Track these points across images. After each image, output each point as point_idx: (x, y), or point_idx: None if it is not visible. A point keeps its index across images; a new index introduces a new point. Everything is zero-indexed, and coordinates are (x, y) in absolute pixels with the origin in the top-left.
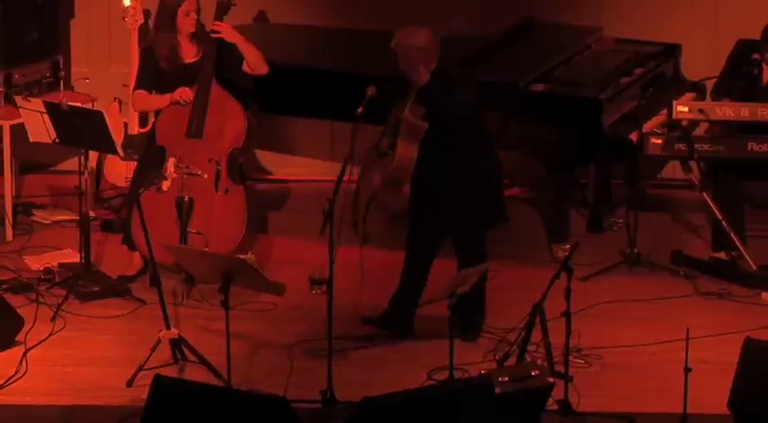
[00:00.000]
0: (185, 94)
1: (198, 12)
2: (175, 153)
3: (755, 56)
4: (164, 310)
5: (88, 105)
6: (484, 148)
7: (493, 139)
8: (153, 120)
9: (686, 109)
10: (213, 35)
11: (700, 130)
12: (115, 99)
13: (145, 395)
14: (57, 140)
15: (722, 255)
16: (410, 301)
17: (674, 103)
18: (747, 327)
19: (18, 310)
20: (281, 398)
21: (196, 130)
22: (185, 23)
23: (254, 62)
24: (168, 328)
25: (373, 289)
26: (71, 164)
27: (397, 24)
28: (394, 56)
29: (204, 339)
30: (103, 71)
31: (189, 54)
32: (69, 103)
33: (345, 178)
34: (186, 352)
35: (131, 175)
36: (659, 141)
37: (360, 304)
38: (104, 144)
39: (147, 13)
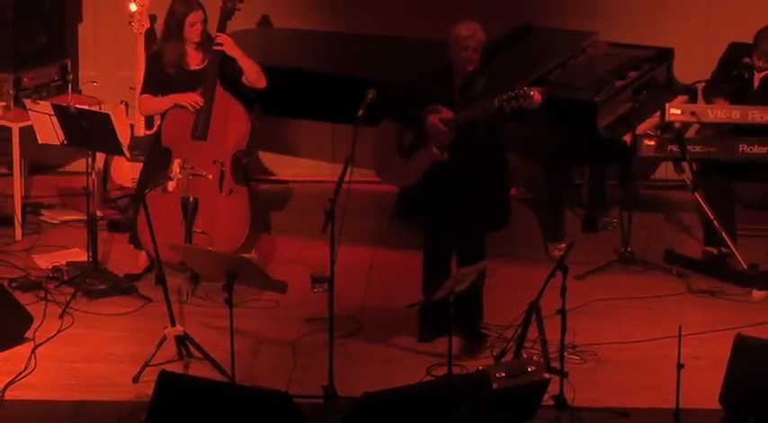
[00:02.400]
0: (195, 100)
1: (204, 22)
2: (181, 154)
3: (746, 60)
4: (169, 307)
5: (95, 108)
6: (498, 151)
7: (503, 143)
8: (159, 122)
9: (679, 111)
10: (215, 47)
11: (692, 132)
12: (122, 102)
13: (151, 391)
14: (65, 142)
15: (713, 249)
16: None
17: (667, 105)
18: (738, 324)
19: (27, 308)
20: (283, 393)
21: (201, 132)
22: (191, 33)
23: (252, 76)
24: (173, 325)
25: (375, 288)
26: (79, 165)
27: (398, 29)
28: (393, 59)
29: (208, 336)
30: (110, 74)
31: (194, 61)
32: (77, 106)
33: (346, 179)
34: (191, 348)
35: (138, 176)
36: (652, 143)
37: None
38: (111, 146)
39: (152, 18)
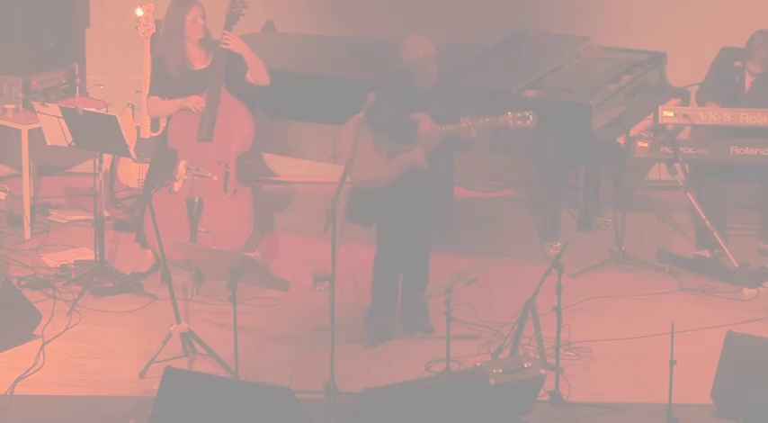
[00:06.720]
0: (199, 102)
1: (203, 18)
2: (186, 156)
3: (737, 64)
4: (174, 305)
5: (103, 111)
6: (451, 170)
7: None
8: (164, 124)
9: (671, 114)
10: (222, 46)
11: (684, 134)
12: (128, 105)
13: (157, 386)
14: (73, 144)
15: (706, 253)
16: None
17: (660, 108)
18: (729, 321)
19: (36, 306)
20: (285, 388)
21: (206, 134)
22: (193, 30)
23: (257, 73)
24: (179, 322)
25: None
26: (86, 166)
27: (398, 33)
28: (394, 63)
29: (213, 333)
30: (117, 78)
31: (198, 60)
32: (85, 109)
33: (347, 180)
34: (196, 345)
35: (144, 177)
36: (646, 145)
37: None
38: (118, 147)
39: (158, 22)
